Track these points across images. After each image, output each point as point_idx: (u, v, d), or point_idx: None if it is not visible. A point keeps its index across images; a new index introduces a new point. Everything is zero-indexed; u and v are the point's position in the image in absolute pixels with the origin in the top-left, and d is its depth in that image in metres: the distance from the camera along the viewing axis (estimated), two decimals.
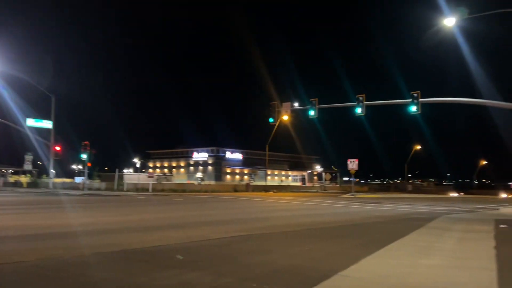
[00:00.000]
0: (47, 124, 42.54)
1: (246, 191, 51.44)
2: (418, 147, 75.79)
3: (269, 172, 71.87)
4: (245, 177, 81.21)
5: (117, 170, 47.38)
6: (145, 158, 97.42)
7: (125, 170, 74.53)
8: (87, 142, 41.52)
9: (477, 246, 8.24)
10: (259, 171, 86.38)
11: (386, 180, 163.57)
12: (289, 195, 42.99)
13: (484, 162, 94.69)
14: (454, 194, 69.88)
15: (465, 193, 71.93)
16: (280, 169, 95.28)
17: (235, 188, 52.51)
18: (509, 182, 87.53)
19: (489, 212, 20.18)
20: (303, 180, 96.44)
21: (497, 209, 23.15)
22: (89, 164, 43.82)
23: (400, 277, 5.34)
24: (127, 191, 40.76)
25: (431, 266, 6.06)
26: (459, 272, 5.72)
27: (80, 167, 63.76)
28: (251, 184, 56.12)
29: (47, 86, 42.69)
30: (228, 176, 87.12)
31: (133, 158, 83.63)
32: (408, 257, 6.80)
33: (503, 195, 73.61)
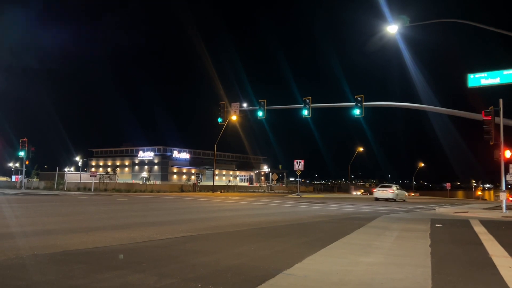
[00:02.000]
0: None
1: (193, 191, 51.02)
2: (361, 149, 78.40)
3: (216, 172, 71.69)
4: (192, 177, 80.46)
5: (57, 168, 45.45)
6: (88, 156, 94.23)
7: (66, 169, 71.63)
8: (25, 139, 39.63)
9: (413, 244, 8.66)
10: (206, 171, 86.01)
11: (331, 180, 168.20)
12: (237, 195, 43.09)
13: (422, 164, 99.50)
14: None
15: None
16: (228, 169, 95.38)
17: (182, 188, 51.95)
18: (445, 183, 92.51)
19: (425, 212, 21.25)
20: (250, 180, 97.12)
21: (433, 209, 24.42)
22: (27, 162, 41.79)
23: (341, 274, 5.51)
24: (68, 190, 39.24)
25: (370, 264, 6.30)
26: (396, 269, 5.98)
27: (18, 165, 60.65)
28: (198, 184, 55.69)
29: None
30: (175, 176, 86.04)
31: (74, 157, 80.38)
32: (349, 255, 7.03)
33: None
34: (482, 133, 20.38)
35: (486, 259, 6.92)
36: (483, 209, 25.01)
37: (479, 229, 11.90)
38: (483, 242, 9.08)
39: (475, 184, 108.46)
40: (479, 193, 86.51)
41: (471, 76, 21.73)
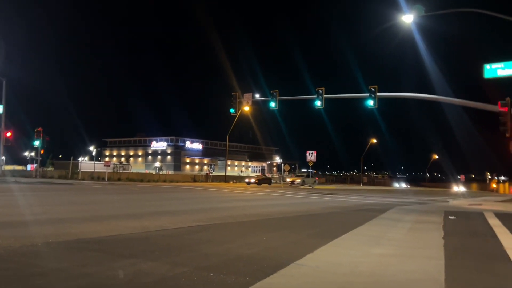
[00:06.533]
0: None
1: (206, 181, 51.25)
2: (374, 140, 77.81)
3: (229, 162, 71.85)
4: (205, 167, 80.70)
5: (71, 158, 45.97)
6: (101, 146, 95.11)
7: (80, 158, 72.29)
8: (40, 129, 40.08)
9: (426, 236, 8.59)
10: (219, 162, 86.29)
11: (343, 172, 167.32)
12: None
13: (436, 157, 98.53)
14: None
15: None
16: (240, 159, 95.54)
17: (195, 178, 52.22)
18: (459, 175, 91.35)
19: (439, 204, 21.05)
20: (262, 171, 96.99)
21: (447, 201, 24.19)
22: (42, 151, 42.31)
23: (352, 265, 5.49)
24: (82, 179, 39.69)
25: (382, 255, 6.27)
26: (409, 261, 5.95)
27: (33, 154, 61.49)
28: (210, 174, 55.92)
29: None
30: (188, 166, 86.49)
31: (88, 146, 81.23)
32: (361, 246, 7.00)
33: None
34: (498, 124, 20.06)
35: (501, 252, 6.83)
36: (498, 201, 24.70)
37: (494, 222, 11.75)
38: (497, 234, 8.97)
39: (489, 177, 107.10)
40: (494, 185, 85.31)
41: (487, 67, 21.33)
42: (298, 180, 50.01)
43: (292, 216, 12.03)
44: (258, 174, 76.07)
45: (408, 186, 74.61)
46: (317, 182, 52.32)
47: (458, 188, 66.26)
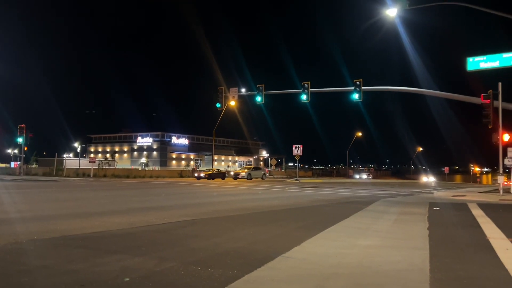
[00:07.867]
0: None
1: (192, 176, 51.10)
2: (360, 134, 78.37)
3: (215, 157, 71.69)
4: (191, 162, 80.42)
5: (56, 154, 45.44)
6: (86, 142, 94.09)
7: (65, 155, 71.51)
8: (23, 125, 39.51)
9: (411, 227, 8.70)
10: (205, 157, 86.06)
11: (329, 165, 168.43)
12: (236, 180, 43.14)
13: (420, 149, 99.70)
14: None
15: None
16: (227, 154, 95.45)
17: (181, 174, 52.06)
18: (443, 167, 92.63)
19: (424, 196, 21.33)
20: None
21: (432, 193, 24.52)
22: (25, 148, 41.73)
23: (339, 257, 5.54)
24: (67, 176, 39.28)
25: (368, 247, 6.34)
26: (394, 252, 6.02)
27: (16, 151, 60.64)
28: (197, 169, 55.76)
29: None
30: (174, 162, 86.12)
31: (73, 143, 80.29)
32: (347, 238, 7.06)
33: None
34: (481, 116, 20.35)
35: (484, 242, 6.96)
36: (481, 192, 25.10)
37: (477, 212, 11.96)
38: (480, 224, 9.13)
39: (473, 168, 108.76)
40: (477, 176, 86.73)
41: (470, 60, 21.59)
42: (243, 173, 45.92)
43: (279, 210, 12.07)
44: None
45: (370, 177, 75.12)
46: (267, 175, 49.42)
47: (428, 179, 67.22)
